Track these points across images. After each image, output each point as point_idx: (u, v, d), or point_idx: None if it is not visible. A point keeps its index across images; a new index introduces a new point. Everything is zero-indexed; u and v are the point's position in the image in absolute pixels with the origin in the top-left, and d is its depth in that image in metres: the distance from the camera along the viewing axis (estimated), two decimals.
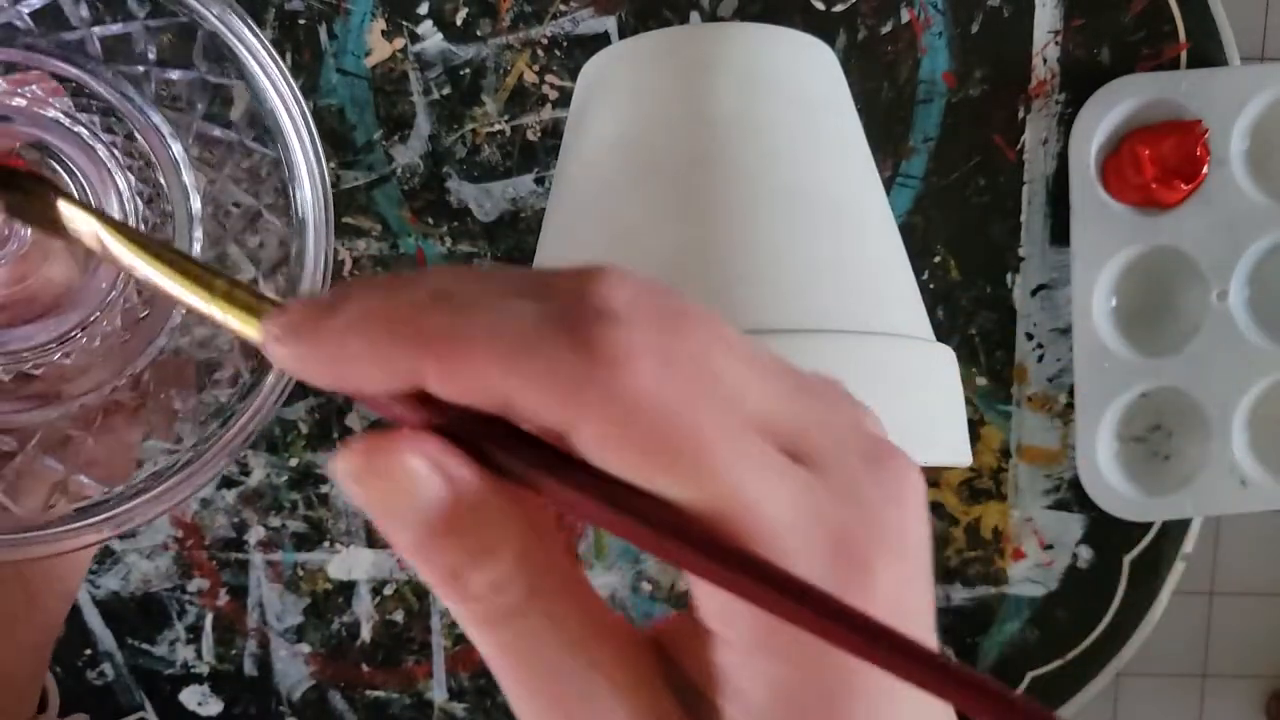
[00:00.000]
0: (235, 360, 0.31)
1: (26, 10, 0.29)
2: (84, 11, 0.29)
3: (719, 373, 0.19)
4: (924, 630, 0.21)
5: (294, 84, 0.28)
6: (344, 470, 0.19)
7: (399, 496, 0.19)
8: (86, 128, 0.30)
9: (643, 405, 0.18)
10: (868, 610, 0.18)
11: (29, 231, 0.29)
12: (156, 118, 0.29)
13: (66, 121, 0.30)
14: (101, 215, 0.22)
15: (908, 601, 0.20)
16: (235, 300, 0.20)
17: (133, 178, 0.31)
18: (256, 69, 0.28)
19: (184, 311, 0.31)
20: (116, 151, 0.30)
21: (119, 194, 0.31)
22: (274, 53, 0.28)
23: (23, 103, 0.29)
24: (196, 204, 0.30)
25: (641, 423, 0.18)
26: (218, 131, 0.30)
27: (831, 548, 0.19)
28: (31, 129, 0.30)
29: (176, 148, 0.30)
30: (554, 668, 0.20)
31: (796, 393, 0.20)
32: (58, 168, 0.30)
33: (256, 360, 0.30)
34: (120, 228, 0.22)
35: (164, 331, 0.31)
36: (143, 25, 0.29)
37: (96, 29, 0.29)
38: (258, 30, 0.28)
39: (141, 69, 0.29)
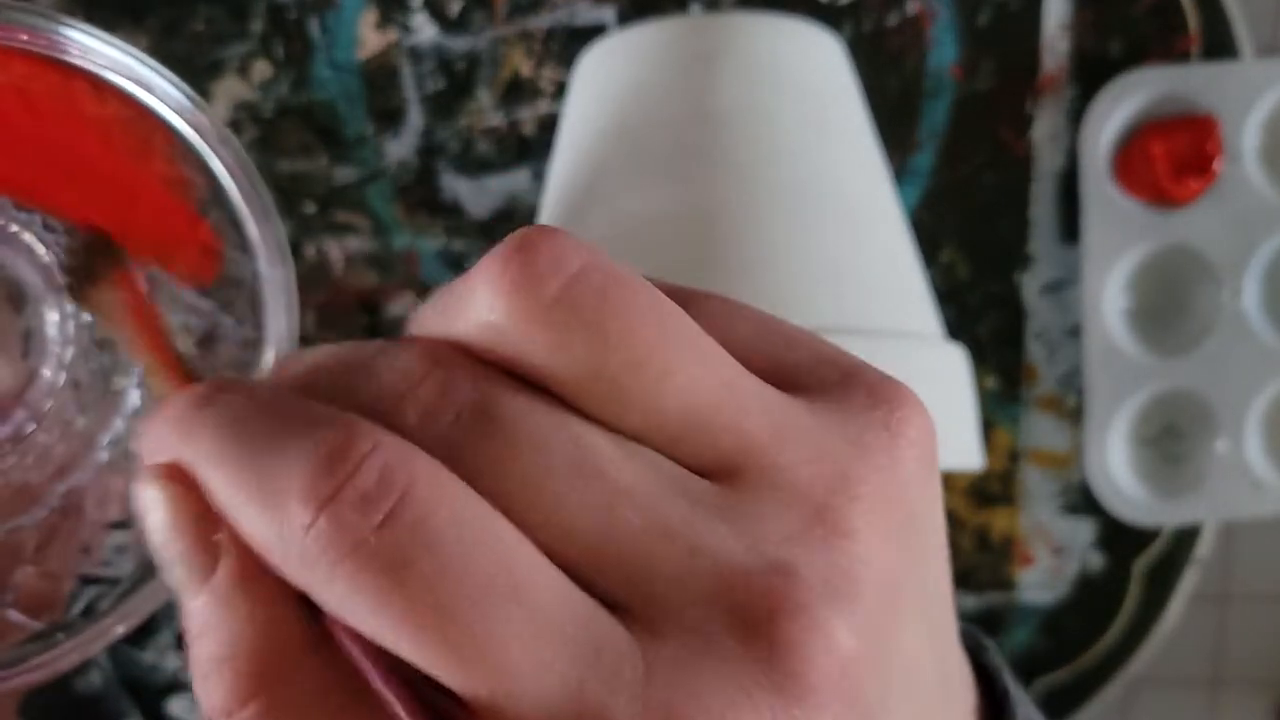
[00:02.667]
0: None
1: None
2: None
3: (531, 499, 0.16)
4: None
5: (249, 159, 0.26)
6: (160, 496, 0.17)
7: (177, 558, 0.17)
8: (37, 236, 0.28)
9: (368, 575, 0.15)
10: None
11: None
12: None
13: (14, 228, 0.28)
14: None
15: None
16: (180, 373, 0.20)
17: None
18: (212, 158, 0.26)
19: (129, 417, 0.28)
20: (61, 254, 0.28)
21: (60, 310, 0.28)
22: (221, 126, 0.25)
23: None
24: None
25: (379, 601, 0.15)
26: None
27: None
28: None
29: None
30: None
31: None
32: None
33: None
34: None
35: (103, 444, 0.29)
36: None
37: None
38: (197, 100, 0.25)
39: None
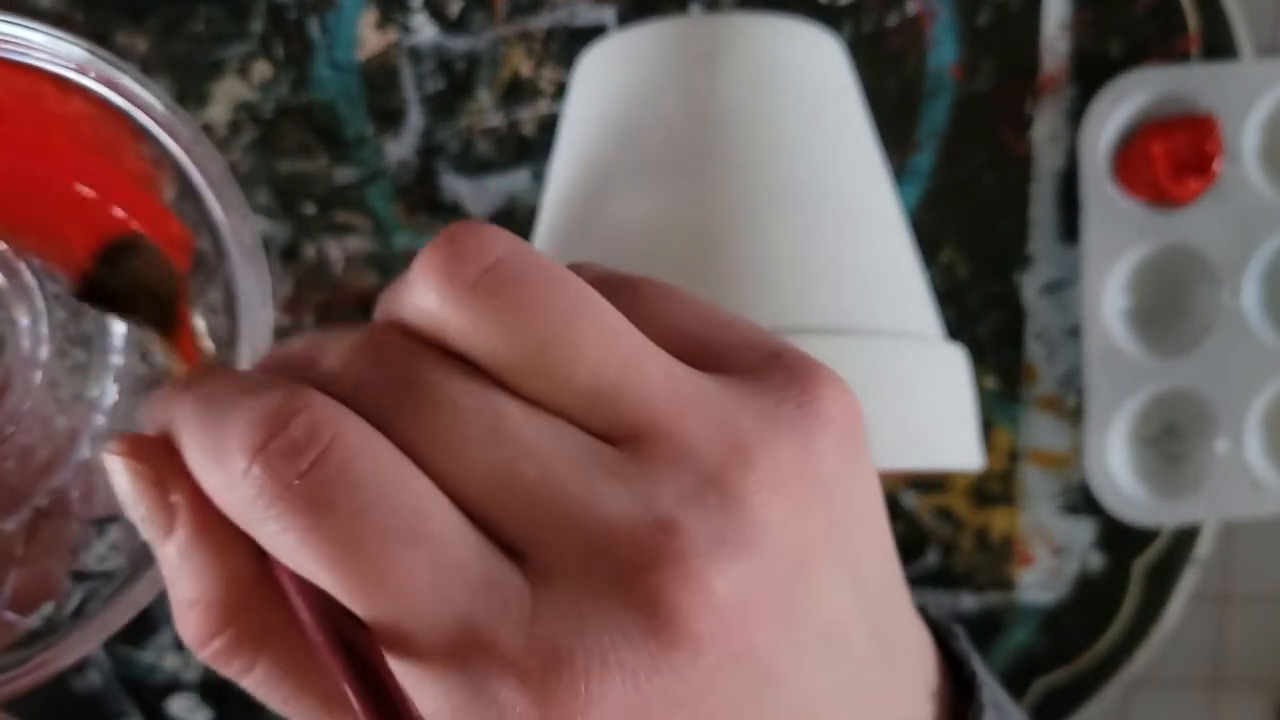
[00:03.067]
0: None
1: None
2: None
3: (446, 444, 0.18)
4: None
5: (219, 154, 0.25)
6: (121, 466, 0.19)
7: (152, 515, 0.19)
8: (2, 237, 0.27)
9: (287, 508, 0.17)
10: None
11: None
12: None
13: None
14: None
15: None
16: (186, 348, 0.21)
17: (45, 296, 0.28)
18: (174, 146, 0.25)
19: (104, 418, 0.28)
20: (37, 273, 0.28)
21: (32, 310, 0.28)
22: (185, 116, 0.25)
23: None
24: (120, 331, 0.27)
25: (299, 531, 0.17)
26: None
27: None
28: None
29: None
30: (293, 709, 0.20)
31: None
32: None
33: None
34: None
35: (84, 441, 0.28)
36: None
37: None
38: (174, 108, 0.25)
39: None
